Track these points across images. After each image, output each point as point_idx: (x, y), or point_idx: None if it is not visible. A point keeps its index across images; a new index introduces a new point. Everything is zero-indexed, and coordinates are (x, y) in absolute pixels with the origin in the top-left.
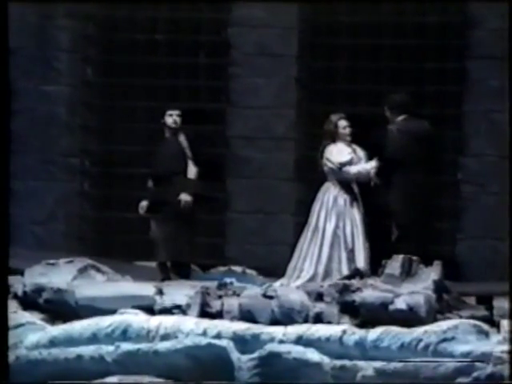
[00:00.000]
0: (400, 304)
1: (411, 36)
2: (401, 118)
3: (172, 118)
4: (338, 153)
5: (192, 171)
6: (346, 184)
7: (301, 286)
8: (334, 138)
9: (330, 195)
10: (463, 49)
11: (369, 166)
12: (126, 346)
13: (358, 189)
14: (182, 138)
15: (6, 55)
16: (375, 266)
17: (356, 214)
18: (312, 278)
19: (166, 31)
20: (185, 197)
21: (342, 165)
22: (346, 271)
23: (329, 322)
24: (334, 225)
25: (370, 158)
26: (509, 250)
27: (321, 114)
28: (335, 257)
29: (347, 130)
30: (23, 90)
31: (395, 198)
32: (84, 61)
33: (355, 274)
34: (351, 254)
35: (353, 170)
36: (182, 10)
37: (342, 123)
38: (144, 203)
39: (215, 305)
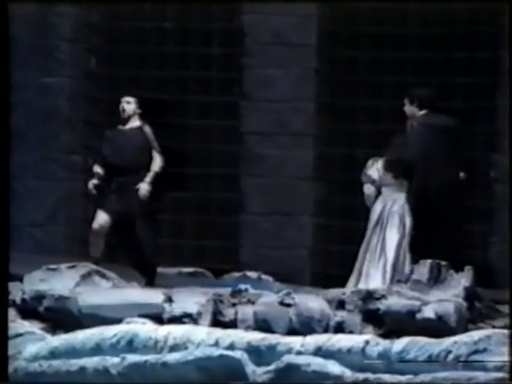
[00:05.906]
0: (428, 312)
1: (439, 23)
2: (422, 112)
3: (120, 105)
4: (372, 165)
5: (157, 164)
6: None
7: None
8: None
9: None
10: (496, 37)
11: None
12: (133, 358)
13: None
14: (148, 130)
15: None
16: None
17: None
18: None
19: (175, 19)
20: (144, 186)
21: (365, 177)
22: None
23: (351, 332)
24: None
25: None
26: (509, 251)
27: (342, 108)
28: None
29: None
30: (21, 81)
31: (415, 197)
32: (87, 51)
33: None
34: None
35: (365, 187)
36: None
37: None
38: (95, 181)
39: (228, 313)
